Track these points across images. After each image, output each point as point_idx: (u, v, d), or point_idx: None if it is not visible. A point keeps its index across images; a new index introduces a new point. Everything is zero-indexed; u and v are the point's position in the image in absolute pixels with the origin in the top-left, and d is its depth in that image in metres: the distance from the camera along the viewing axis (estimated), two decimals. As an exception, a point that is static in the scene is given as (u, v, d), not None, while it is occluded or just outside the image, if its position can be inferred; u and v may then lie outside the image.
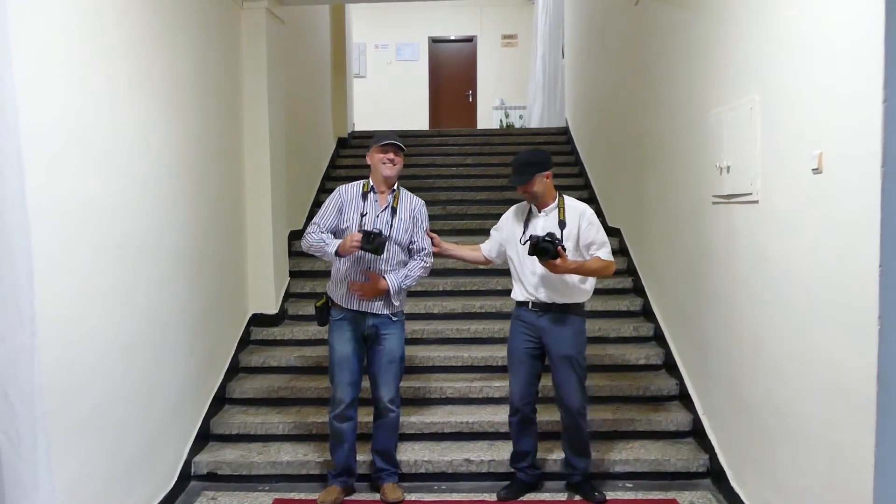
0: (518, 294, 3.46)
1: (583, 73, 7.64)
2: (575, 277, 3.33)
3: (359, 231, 3.24)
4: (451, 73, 12.92)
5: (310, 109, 6.78)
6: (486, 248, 3.61)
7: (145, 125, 3.22)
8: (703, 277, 3.71)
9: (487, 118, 12.49)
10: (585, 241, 3.33)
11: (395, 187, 3.48)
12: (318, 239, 3.35)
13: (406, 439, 3.94)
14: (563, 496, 3.57)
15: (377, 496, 3.56)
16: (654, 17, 4.59)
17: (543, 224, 3.35)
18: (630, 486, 3.68)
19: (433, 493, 3.63)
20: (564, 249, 3.18)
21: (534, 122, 10.86)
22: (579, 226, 3.34)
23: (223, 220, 4.31)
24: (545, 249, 3.13)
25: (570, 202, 3.43)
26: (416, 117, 12.19)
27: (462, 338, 4.80)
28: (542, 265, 3.21)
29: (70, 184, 2.59)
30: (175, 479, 3.54)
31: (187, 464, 3.71)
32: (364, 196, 3.43)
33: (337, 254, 3.26)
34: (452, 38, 12.94)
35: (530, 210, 3.45)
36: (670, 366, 4.40)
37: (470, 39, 12.90)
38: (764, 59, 2.88)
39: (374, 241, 3.17)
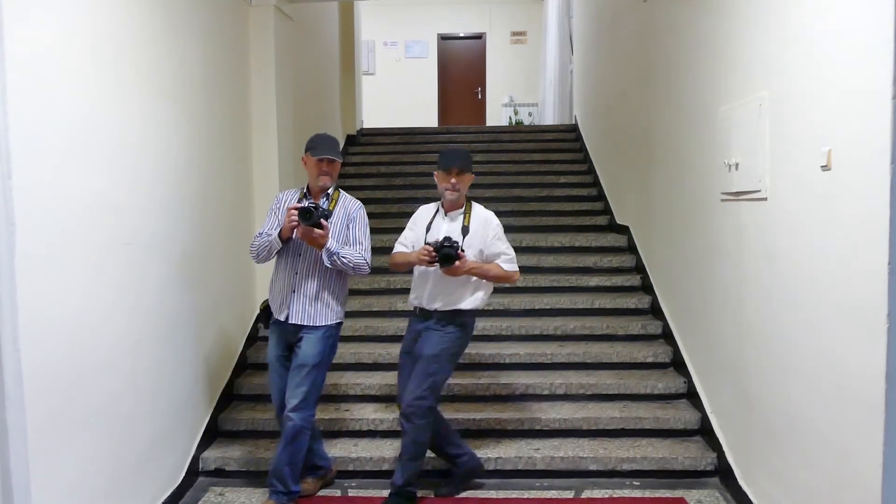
0: (411, 298, 3.46)
1: (592, 71, 7.62)
2: (463, 287, 3.32)
3: (292, 209, 3.13)
4: (460, 71, 12.90)
5: (318, 107, 6.79)
6: (409, 249, 3.46)
7: (153, 123, 3.23)
8: (711, 275, 3.69)
9: (496, 115, 12.48)
10: (491, 252, 3.34)
11: (329, 191, 3.39)
12: (264, 236, 3.29)
13: (413, 436, 3.95)
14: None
15: (385, 493, 3.57)
16: (662, 15, 4.57)
17: (448, 228, 3.33)
18: (637, 483, 3.67)
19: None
20: (463, 251, 3.18)
21: (545, 120, 10.85)
22: (485, 235, 3.34)
23: (232, 217, 4.33)
24: (447, 256, 3.11)
25: (478, 209, 3.44)
26: (425, 114, 12.19)
27: (469, 335, 4.79)
28: (443, 271, 3.18)
29: (78, 181, 2.61)
30: (183, 474, 3.56)
31: (195, 459, 3.73)
32: (299, 202, 3.32)
33: (280, 238, 3.20)
34: (461, 35, 12.92)
35: (436, 212, 3.44)
36: (678, 364, 4.38)
37: (479, 36, 12.88)
38: (772, 55, 2.87)
39: (308, 215, 3.06)
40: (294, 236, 3.21)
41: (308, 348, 3.30)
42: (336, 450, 3.84)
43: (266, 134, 4.77)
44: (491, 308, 5.06)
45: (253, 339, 4.76)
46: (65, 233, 2.52)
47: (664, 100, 4.54)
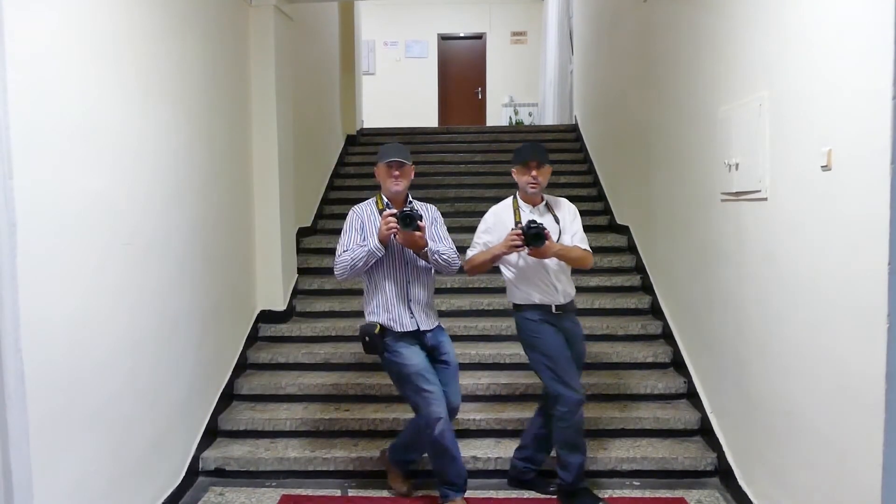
0: (533, 297, 3.35)
1: (592, 71, 7.62)
2: (569, 273, 3.40)
3: (389, 215, 3.13)
4: (461, 71, 12.90)
5: (318, 107, 6.79)
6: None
7: (153, 123, 3.23)
8: (711, 275, 3.69)
9: (496, 115, 12.48)
10: (570, 233, 3.37)
11: (409, 200, 3.42)
12: (353, 249, 3.23)
13: (413, 436, 3.95)
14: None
15: (386, 493, 3.57)
16: (662, 15, 4.57)
17: (541, 221, 3.27)
18: (637, 484, 3.67)
19: (440, 490, 3.63)
20: (548, 231, 3.16)
21: (545, 120, 10.85)
22: (569, 219, 3.40)
23: (231, 217, 4.33)
24: (538, 236, 3.10)
25: (555, 199, 3.47)
26: (425, 114, 12.19)
27: (470, 335, 4.80)
28: (530, 253, 3.18)
29: (78, 181, 2.61)
30: (183, 474, 3.57)
31: (195, 459, 3.73)
32: (381, 213, 3.32)
33: (381, 243, 3.17)
34: (462, 35, 12.92)
35: (516, 209, 3.38)
36: (678, 364, 4.38)
37: (479, 36, 12.88)
38: (773, 55, 2.87)
39: (409, 220, 3.10)
40: (392, 242, 3.23)
41: (451, 349, 3.43)
42: (336, 450, 3.85)
43: (266, 134, 4.77)
44: (491, 308, 5.06)
45: (253, 339, 4.76)
46: (65, 233, 2.53)
47: (664, 100, 4.54)
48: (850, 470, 2.34)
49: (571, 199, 6.94)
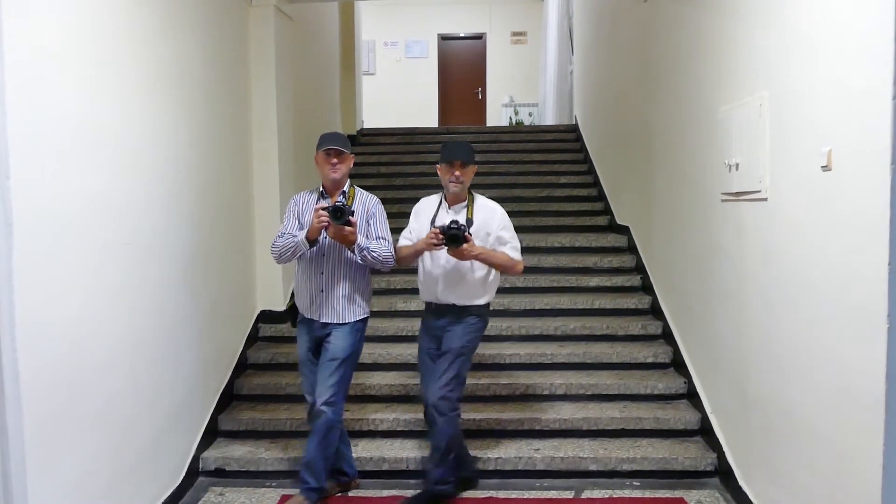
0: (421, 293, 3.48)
1: (592, 71, 7.62)
2: (476, 279, 3.33)
3: (321, 209, 3.12)
4: (461, 71, 12.90)
5: (318, 107, 6.78)
6: (410, 243, 3.44)
7: (153, 123, 3.23)
8: (711, 275, 3.69)
9: (497, 115, 12.48)
10: (496, 243, 3.33)
11: (345, 188, 3.39)
12: (287, 237, 3.28)
13: (413, 436, 3.95)
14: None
15: (385, 493, 3.57)
16: (662, 15, 4.57)
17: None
18: (637, 484, 3.67)
19: (440, 490, 3.63)
20: (470, 235, 3.16)
21: (545, 120, 10.85)
22: (490, 225, 3.34)
23: (231, 217, 4.33)
24: (455, 237, 3.09)
25: (482, 201, 3.45)
26: (426, 114, 12.19)
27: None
28: (450, 253, 3.17)
29: (77, 181, 2.60)
30: (183, 474, 3.56)
31: (195, 460, 3.73)
32: (318, 202, 3.35)
33: (307, 240, 3.18)
34: (462, 35, 12.92)
35: (439, 205, 3.43)
36: (678, 364, 4.38)
37: (479, 37, 12.88)
38: (773, 56, 2.86)
39: (340, 214, 3.07)
40: (322, 237, 3.23)
41: (338, 342, 3.31)
42: (336, 450, 3.85)
43: (266, 134, 4.77)
44: (491, 308, 5.04)
45: (253, 339, 4.76)
46: (64, 233, 2.52)
47: (664, 100, 4.53)
48: (850, 470, 2.34)
49: (571, 199, 6.96)
